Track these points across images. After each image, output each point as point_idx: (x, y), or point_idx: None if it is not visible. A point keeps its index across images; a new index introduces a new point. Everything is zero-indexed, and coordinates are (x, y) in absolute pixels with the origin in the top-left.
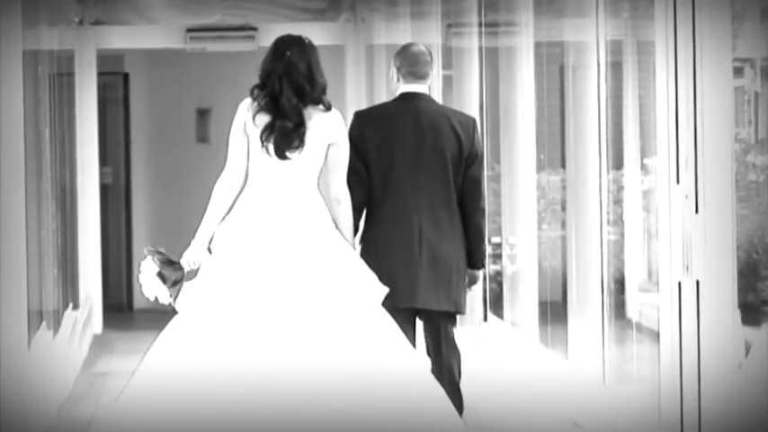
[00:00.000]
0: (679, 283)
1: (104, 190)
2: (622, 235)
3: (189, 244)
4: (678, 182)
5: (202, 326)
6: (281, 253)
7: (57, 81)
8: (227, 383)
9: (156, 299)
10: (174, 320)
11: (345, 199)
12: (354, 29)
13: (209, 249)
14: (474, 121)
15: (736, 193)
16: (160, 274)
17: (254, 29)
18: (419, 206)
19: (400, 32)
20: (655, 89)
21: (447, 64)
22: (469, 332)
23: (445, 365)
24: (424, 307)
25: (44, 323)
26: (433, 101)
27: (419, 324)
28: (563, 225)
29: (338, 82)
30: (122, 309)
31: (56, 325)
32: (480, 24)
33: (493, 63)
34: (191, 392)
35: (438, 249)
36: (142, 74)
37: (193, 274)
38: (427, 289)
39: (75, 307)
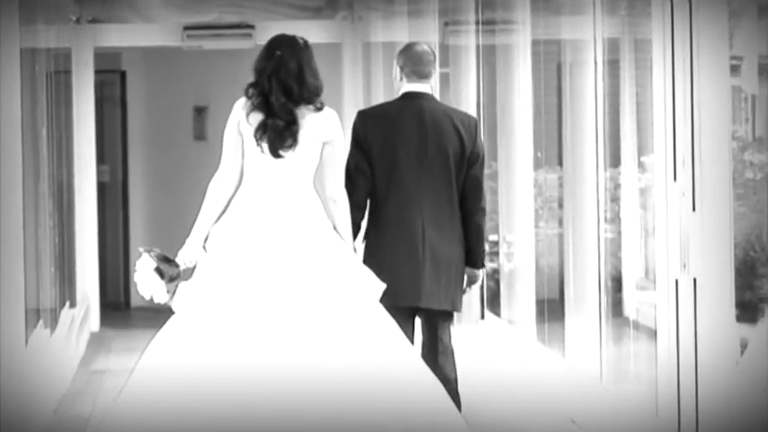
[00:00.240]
0: (676, 281)
1: (102, 188)
2: (619, 233)
3: (184, 242)
4: (675, 179)
5: (200, 325)
6: (278, 252)
7: (54, 79)
8: (225, 383)
9: (152, 298)
10: (172, 320)
11: (341, 198)
12: (351, 27)
13: (204, 248)
14: (476, 121)
15: (734, 190)
16: (158, 269)
17: (251, 27)
18: (422, 205)
19: (397, 30)
20: (652, 87)
21: (444, 62)
22: (467, 330)
23: (440, 367)
24: (426, 306)
25: (41, 321)
26: (436, 100)
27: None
28: (560, 223)
29: (335, 80)
30: (119, 307)
31: (53, 323)
32: (477, 22)
33: (490, 61)
34: (189, 392)
35: (439, 249)
36: (139, 72)
37: (189, 272)
38: (430, 288)
39: (73, 305)
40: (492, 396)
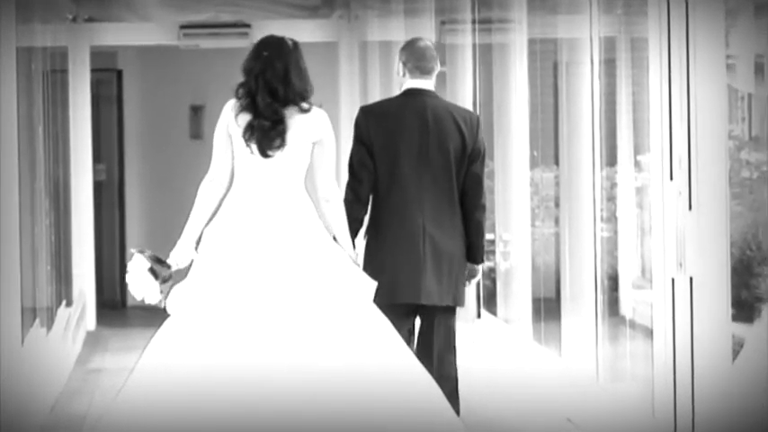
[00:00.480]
0: (672, 280)
1: (98, 187)
2: (616, 232)
3: (176, 244)
4: (672, 179)
5: (197, 327)
6: (270, 253)
7: (50, 78)
8: (222, 383)
9: (144, 299)
10: (169, 321)
11: (334, 197)
12: (348, 26)
13: (196, 250)
14: (478, 118)
15: (730, 189)
16: (152, 270)
17: (248, 26)
18: (422, 202)
19: (394, 29)
20: (648, 86)
21: (440, 61)
22: (463, 329)
23: (441, 365)
24: (428, 303)
25: (37, 320)
26: (438, 97)
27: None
28: (556, 222)
29: (332, 79)
30: (116, 306)
31: (49, 322)
32: (474, 21)
33: (486, 60)
34: (187, 392)
35: (440, 245)
36: (136, 71)
37: (182, 273)
38: (431, 285)
39: (69, 304)
40: (488, 395)
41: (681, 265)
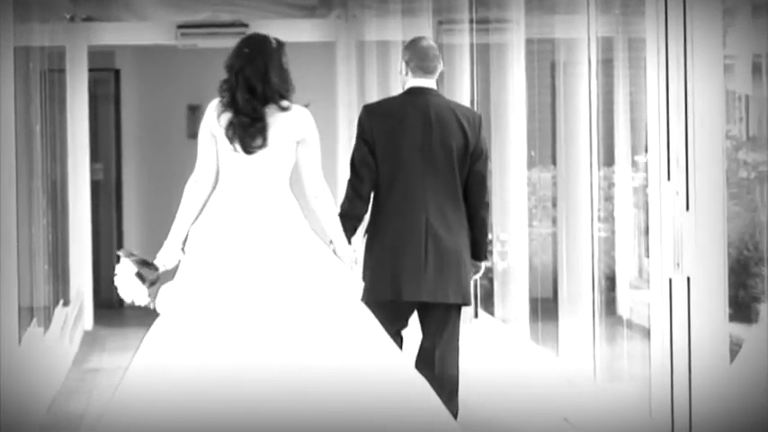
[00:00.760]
0: (670, 280)
1: (95, 186)
2: (613, 232)
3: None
4: (669, 179)
5: (187, 326)
6: (255, 251)
7: (48, 77)
8: (213, 382)
9: (133, 301)
10: (159, 321)
11: (323, 193)
12: (345, 25)
13: (183, 250)
14: (480, 117)
15: (728, 190)
16: (139, 274)
17: (245, 25)
18: (426, 199)
19: (391, 29)
20: (646, 86)
21: None
22: (460, 329)
23: (443, 364)
24: (431, 300)
25: (35, 319)
26: (441, 96)
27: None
28: (554, 222)
29: (329, 78)
30: (113, 305)
31: (46, 321)
32: (471, 21)
33: (484, 60)
34: (180, 392)
35: (444, 242)
36: (133, 70)
37: (169, 274)
38: (434, 282)
39: (66, 303)
40: (486, 395)
41: (678, 265)
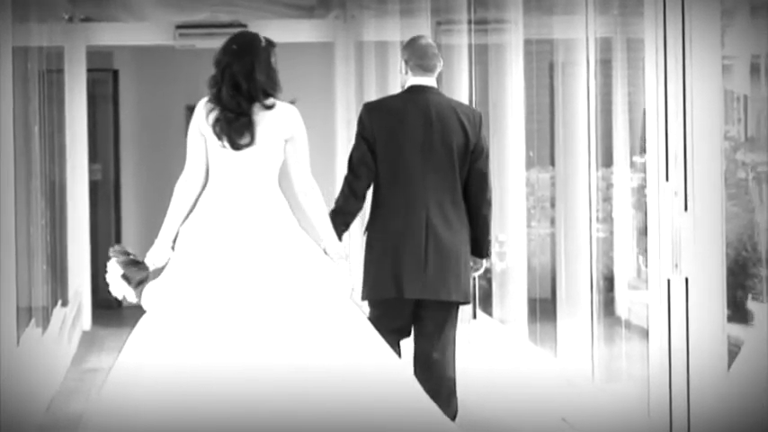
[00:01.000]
0: (668, 281)
1: (94, 187)
2: (611, 232)
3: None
4: (667, 179)
5: (172, 323)
6: (243, 249)
7: (46, 78)
8: (198, 381)
9: (125, 298)
10: (144, 318)
11: (312, 190)
12: (344, 26)
13: (173, 248)
14: (480, 115)
15: (726, 190)
16: (124, 276)
17: (244, 26)
18: (426, 197)
19: (390, 30)
20: (644, 86)
21: None
22: (458, 330)
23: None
24: (434, 298)
25: (33, 320)
26: (441, 94)
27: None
28: (552, 222)
29: (328, 79)
30: (111, 305)
31: (45, 322)
32: (470, 21)
33: (482, 60)
34: (164, 390)
35: (445, 240)
36: (132, 71)
37: (159, 272)
38: (435, 280)
39: (65, 304)
40: (484, 395)
41: (676, 265)
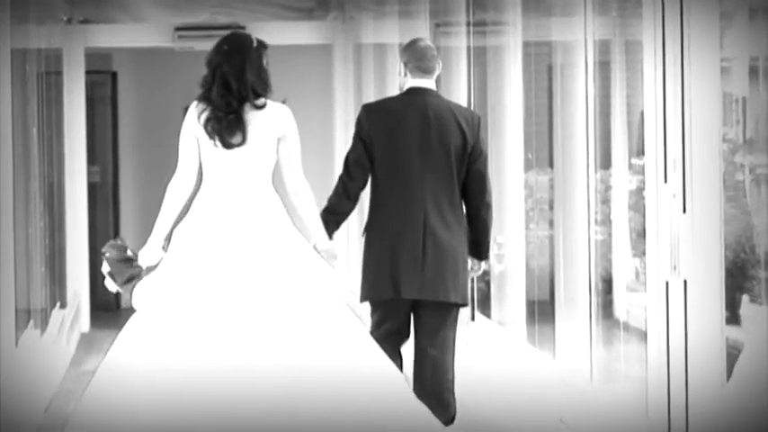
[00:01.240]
0: (667, 283)
1: (92, 188)
2: (610, 234)
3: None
4: (666, 181)
5: (161, 323)
6: (236, 249)
7: (45, 80)
8: (186, 380)
9: (118, 293)
10: (134, 318)
11: (303, 190)
12: (342, 28)
13: (165, 248)
14: (479, 117)
15: (724, 192)
16: (110, 274)
17: (243, 28)
18: (425, 199)
19: (388, 31)
20: (643, 89)
21: None
22: (457, 331)
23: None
24: (431, 299)
25: (32, 322)
26: (440, 96)
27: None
28: (551, 224)
29: (326, 80)
30: (110, 307)
31: (43, 324)
32: (468, 24)
33: (481, 62)
34: (151, 390)
35: (442, 242)
36: (130, 72)
37: (152, 270)
38: (433, 281)
39: (63, 305)
40: (483, 396)
41: (675, 267)
